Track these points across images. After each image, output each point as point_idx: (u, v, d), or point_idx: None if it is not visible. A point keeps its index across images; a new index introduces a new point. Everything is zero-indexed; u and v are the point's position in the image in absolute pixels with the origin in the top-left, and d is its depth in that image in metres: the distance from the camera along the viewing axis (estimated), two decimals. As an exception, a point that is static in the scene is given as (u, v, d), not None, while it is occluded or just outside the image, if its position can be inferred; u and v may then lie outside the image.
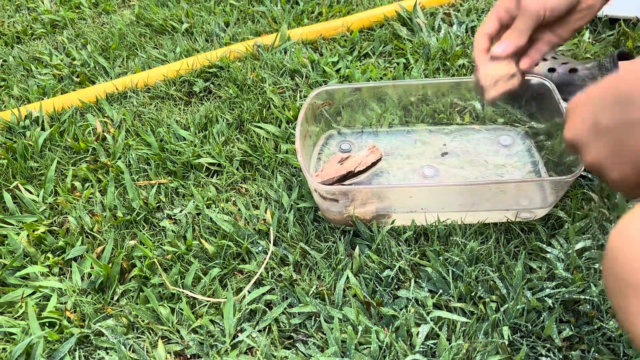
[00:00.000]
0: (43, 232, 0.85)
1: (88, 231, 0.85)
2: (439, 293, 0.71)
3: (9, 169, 0.96)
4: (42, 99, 1.14)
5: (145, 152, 0.97)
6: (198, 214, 0.86)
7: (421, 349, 0.65)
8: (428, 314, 0.68)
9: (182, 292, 0.75)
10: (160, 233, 0.84)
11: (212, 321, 0.71)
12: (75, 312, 0.75)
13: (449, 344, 0.65)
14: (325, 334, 0.68)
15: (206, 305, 0.73)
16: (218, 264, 0.78)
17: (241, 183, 0.91)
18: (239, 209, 0.86)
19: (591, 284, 0.68)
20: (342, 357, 0.65)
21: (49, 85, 1.16)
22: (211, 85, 1.11)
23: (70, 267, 0.81)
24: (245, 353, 0.68)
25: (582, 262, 0.71)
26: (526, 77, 0.87)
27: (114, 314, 0.74)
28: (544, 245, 0.74)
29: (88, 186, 0.93)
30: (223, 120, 1.02)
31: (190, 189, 0.90)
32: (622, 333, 0.64)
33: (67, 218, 0.88)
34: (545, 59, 0.94)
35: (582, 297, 0.67)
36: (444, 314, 0.67)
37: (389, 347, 0.65)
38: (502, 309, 0.67)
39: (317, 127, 0.92)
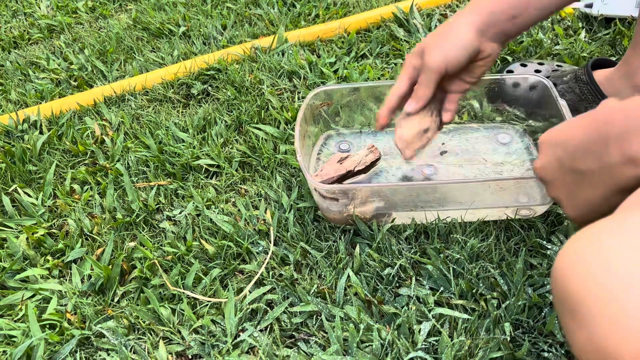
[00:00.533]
0: (42, 235, 0.85)
1: (87, 233, 0.85)
2: (440, 290, 0.71)
3: (7, 172, 0.96)
4: (40, 103, 1.14)
5: (144, 155, 0.97)
6: (198, 215, 0.86)
7: (423, 346, 0.65)
8: (430, 311, 0.68)
9: (183, 292, 0.75)
10: (160, 234, 0.84)
11: (213, 321, 0.71)
12: (75, 314, 0.75)
13: (451, 340, 0.65)
14: (327, 333, 0.68)
15: (207, 305, 0.73)
16: (218, 265, 0.78)
17: (241, 184, 0.91)
18: (239, 210, 0.86)
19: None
20: (344, 355, 0.65)
21: (46, 90, 1.16)
22: (209, 88, 1.12)
23: (70, 269, 0.81)
24: (247, 353, 0.68)
25: (583, 258, 0.71)
26: (524, 76, 0.88)
27: (115, 315, 0.74)
28: (544, 242, 0.75)
29: (87, 189, 0.93)
30: (221, 122, 1.02)
31: (190, 191, 0.89)
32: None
33: (67, 220, 0.88)
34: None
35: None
36: (445, 311, 0.67)
37: (391, 345, 0.65)
38: (503, 306, 0.67)
39: (315, 127, 0.92)
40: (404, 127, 0.77)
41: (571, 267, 0.35)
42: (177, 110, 1.08)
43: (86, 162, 0.98)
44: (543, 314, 0.67)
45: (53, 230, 0.87)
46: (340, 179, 0.84)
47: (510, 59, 1.07)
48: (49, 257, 0.82)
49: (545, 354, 0.63)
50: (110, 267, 0.79)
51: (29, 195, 0.93)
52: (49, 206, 0.91)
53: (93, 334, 0.72)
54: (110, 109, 1.10)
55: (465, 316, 0.67)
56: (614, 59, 1.04)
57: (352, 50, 1.16)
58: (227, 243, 0.79)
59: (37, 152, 1.00)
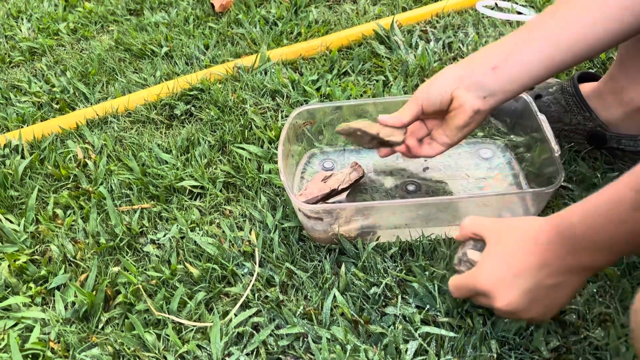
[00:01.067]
0: (25, 262, 0.84)
1: (71, 259, 0.84)
2: (426, 309, 0.71)
3: (-12, 198, 0.95)
4: (22, 127, 1.13)
5: (127, 177, 0.96)
6: (182, 238, 0.85)
7: (410, 366, 0.65)
8: (416, 330, 0.68)
9: (168, 317, 0.74)
10: (144, 258, 0.84)
11: (199, 346, 0.71)
12: (59, 342, 0.73)
13: (438, 359, 0.65)
14: (314, 355, 0.68)
15: (193, 330, 0.72)
16: (203, 288, 0.77)
17: (225, 205, 0.91)
18: (224, 231, 0.85)
19: (576, 294, 0.69)
20: (332, 377, 0.65)
21: (28, 113, 1.15)
22: (192, 108, 1.11)
23: (54, 296, 0.80)
24: (234, 377, 0.68)
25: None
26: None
27: (99, 342, 0.73)
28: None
29: (70, 213, 0.92)
30: (205, 143, 1.02)
31: (174, 213, 0.89)
32: (608, 342, 0.65)
33: (49, 246, 0.87)
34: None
35: (567, 307, 0.68)
36: (431, 329, 0.67)
37: (378, 365, 0.65)
38: (489, 322, 0.67)
39: (299, 146, 0.93)
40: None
41: None
42: (160, 131, 1.08)
43: (69, 186, 0.98)
44: (529, 330, 0.67)
45: (35, 257, 0.86)
46: (325, 198, 0.84)
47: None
48: (31, 285, 0.81)
49: (532, 370, 0.63)
50: (94, 293, 0.78)
51: (11, 222, 0.92)
52: (31, 232, 0.90)
53: (77, 363, 0.71)
54: (92, 131, 1.09)
55: (452, 334, 0.67)
56: (593, 70, 1.05)
57: (334, 67, 1.16)
58: (212, 266, 0.79)
59: (19, 177, 0.99)
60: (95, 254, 0.84)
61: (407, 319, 0.70)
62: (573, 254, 0.53)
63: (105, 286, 0.77)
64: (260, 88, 1.12)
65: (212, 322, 0.72)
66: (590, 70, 1.03)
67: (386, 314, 0.71)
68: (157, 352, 0.70)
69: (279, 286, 0.76)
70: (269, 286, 0.77)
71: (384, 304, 0.73)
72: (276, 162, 0.96)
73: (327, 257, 0.79)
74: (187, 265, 0.79)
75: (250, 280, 0.77)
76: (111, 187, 0.95)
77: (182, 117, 1.10)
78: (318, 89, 1.11)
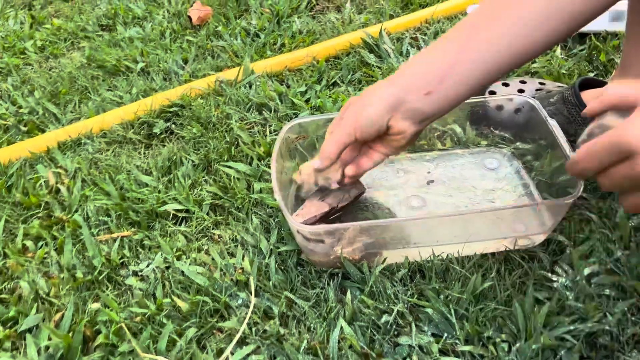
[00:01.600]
0: (-9, 302, 0.75)
1: (44, 296, 0.76)
2: (443, 337, 0.64)
3: (-51, 232, 0.86)
4: (-13, 152, 1.04)
5: (105, 203, 0.88)
6: (167, 268, 0.77)
7: (433, 404, 0.58)
8: (435, 361, 0.61)
9: (156, 359, 0.66)
10: (127, 292, 0.75)
11: (192, 391, 0.63)
12: (31, 393, 0.65)
13: (463, 395, 0.58)
14: (323, 395, 0.60)
15: (184, 372, 0.64)
16: (194, 324, 0.69)
17: (213, 229, 0.83)
18: (213, 259, 0.78)
19: (607, 314, 0.63)
20: (345, 421, 0.58)
21: (-7, 137, 1.07)
22: (173, 126, 1.04)
23: (25, 339, 0.71)
24: None
25: (593, 290, 0.66)
26: (509, 97, 0.83)
27: (78, 392, 0.64)
28: (549, 274, 0.69)
29: (42, 245, 0.84)
30: (188, 162, 0.94)
31: (157, 240, 0.81)
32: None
33: (19, 283, 0.78)
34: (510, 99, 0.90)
35: (599, 328, 0.62)
36: (452, 360, 0.61)
37: (396, 405, 0.58)
38: (514, 349, 0.61)
39: (292, 162, 0.86)
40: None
41: None
42: (138, 151, 1.00)
43: (40, 215, 0.89)
44: (559, 356, 0.60)
45: (3, 296, 0.77)
46: (324, 218, 0.77)
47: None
48: (-1, 328, 0.73)
49: (569, 403, 0.57)
50: (70, 334, 0.69)
51: (-25, 257, 0.83)
52: (-2, 268, 0.81)
53: (53, 417, 0.62)
54: (65, 154, 1.01)
55: (476, 365, 0.60)
56: (592, 74, 1.01)
57: (322, 78, 1.10)
58: (203, 298, 0.71)
59: (-16, 206, 0.90)
60: (71, 289, 0.76)
61: (423, 349, 0.63)
62: None
63: (83, 326, 0.69)
64: (245, 102, 1.05)
65: (206, 362, 0.64)
66: (591, 75, 0.99)
67: (400, 345, 0.64)
68: (144, 400, 0.62)
69: (278, 318, 0.69)
70: (268, 318, 0.69)
71: (396, 333, 0.66)
72: (267, 181, 0.89)
73: (330, 283, 0.71)
74: (175, 298, 0.72)
75: (246, 313, 0.69)
76: (87, 214, 0.87)
77: (162, 136, 1.03)
78: (307, 101, 1.04)
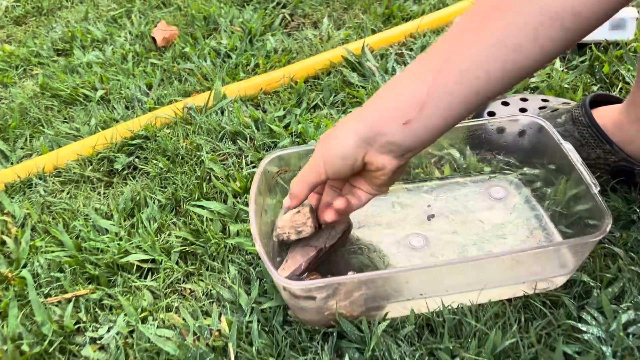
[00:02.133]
0: None
1: (-18, 376, 0.64)
2: (463, 409, 0.54)
3: None
4: None
5: (58, 255, 0.76)
6: (131, 333, 0.66)
7: None
8: None
9: None
10: (82, 366, 0.64)
11: None
12: None
13: None
14: None
15: None
16: (164, 405, 0.58)
17: (184, 282, 0.72)
18: (184, 320, 0.66)
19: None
20: None
21: None
22: (136, 160, 0.93)
23: None
24: None
25: (632, 342, 0.56)
26: (513, 118, 0.74)
27: None
28: (578, 324, 0.59)
29: (-18, 309, 0.71)
30: (154, 202, 0.83)
31: (119, 299, 0.69)
32: None
33: (-47, 359, 0.66)
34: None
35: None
36: None
37: None
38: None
39: (272, 199, 0.75)
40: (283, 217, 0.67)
41: None
42: (97, 191, 0.88)
43: (-18, 271, 0.77)
44: None
45: None
46: (313, 262, 0.67)
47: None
48: None
49: None
50: None
51: None
52: None
53: None
54: (12, 198, 0.89)
55: None
56: (595, 87, 0.93)
57: (302, 101, 1.00)
58: (173, 372, 0.59)
59: None
60: (15, 365, 0.64)
61: None
62: None
63: (28, 414, 0.57)
64: (217, 130, 0.94)
65: None
66: (595, 89, 0.91)
67: (412, 421, 0.54)
68: None
69: (264, 393, 0.58)
70: (252, 394, 0.58)
71: (406, 406, 0.55)
72: (245, 221, 0.78)
73: (324, 345, 0.61)
74: (140, 373, 0.60)
75: (226, 389, 0.58)
76: (37, 270, 0.75)
77: (124, 172, 0.91)
78: (287, 127, 0.94)
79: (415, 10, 1.20)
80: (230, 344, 0.62)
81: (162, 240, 0.77)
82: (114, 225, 0.80)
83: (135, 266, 0.74)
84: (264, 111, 1.00)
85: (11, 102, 1.12)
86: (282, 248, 0.72)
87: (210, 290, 0.69)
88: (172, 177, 0.87)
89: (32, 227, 0.82)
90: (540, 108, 0.83)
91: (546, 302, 0.63)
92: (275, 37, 1.20)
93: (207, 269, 0.73)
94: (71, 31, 1.32)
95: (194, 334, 0.64)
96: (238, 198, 0.82)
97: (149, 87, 1.11)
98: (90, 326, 0.67)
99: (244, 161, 0.88)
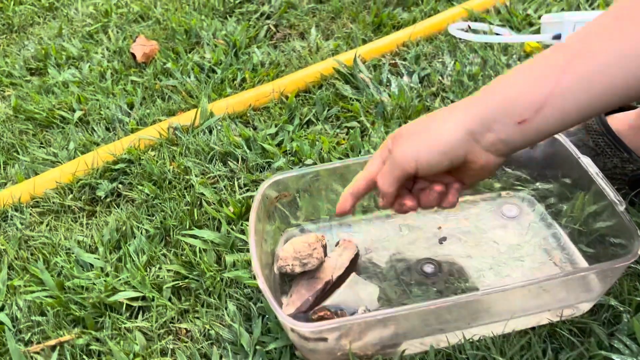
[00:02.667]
0: None
1: None
2: None
3: None
4: None
5: (38, 296, 0.70)
6: (123, 382, 0.60)
7: None
8: None
9: None
10: None
11: None
12: None
13: None
14: None
15: None
16: None
17: (179, 321, 0.66)
18: (182, 365, 0.61)
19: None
20: None
21: None
22: (120, 187, 0.86)
23: None
24: None
25: (672, 373, 0.52)
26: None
27: None
28: (611, 354, 0.55)
29: (-44, 361, 0.65)
30: (141, 233, 0.77)
31: (108, 344, 0.63)
32: None
33: None
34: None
35: None
36: None
37: None
38: None
39: (271, 225, 0.70)
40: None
41: None
42: (79, 222, 0.82)
43: (-46, 317, 0.70)
44: None
45: None
46: (319, 297, 0.62)
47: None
48: None
49: None
50: None
51: None
52: None
53: None
54: (-14, 233, 0.82)
55: None
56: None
57: (294, 116, 0.95)
58: None
59: None
60: None
61: None
62: None
63: None
64: (206, 151, 0.88)
65: None
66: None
67: None
68: None
69: None
70: None
71: None
72: (241, 250, 0.73)
73: (338, 389, 0.55)
74: None
75: None
76: (15, 314, 0.69)
77: (108, 200, 0.85)
78: (279, 145, 0.89)
79: (405, 18, 1.16)
80: (234, 393, 0.56)
81: (153, 275, 0.71)
82: (99, 259, 0.74)
83: (124, 305, 0.68)
84: (254, 129, 0.94)
85: (-18, 126, 1.05)
86: (284, 279, 0.66)
87: (208, 329, 0.64)
88: (160, 203, 0.81)
89: (9, 264, 0.76)
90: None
91: (573, 330, 0.59)
92: (262, 50, 1.15)
93: (203, 306, 0.67)
94: (45, 49, 1.26)
95: (193, 381, 0.59)
96: (232, 225, 0.76)
97: (131, 106, 1.05)
98: (77, 376, 0.61)
99: (236, 184, 0.83)
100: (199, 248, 0.73)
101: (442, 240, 0.69)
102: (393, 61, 1.04)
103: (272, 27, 1.23)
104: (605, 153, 0.70)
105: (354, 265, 0.67)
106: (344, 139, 0.89)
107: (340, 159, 0.83)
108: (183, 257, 0.73)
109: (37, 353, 0.64)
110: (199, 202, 0.81)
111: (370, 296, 0.63)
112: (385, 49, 1.07)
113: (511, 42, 1.01)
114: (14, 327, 0.67)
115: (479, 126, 0.49)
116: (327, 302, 0.63)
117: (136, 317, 0.67)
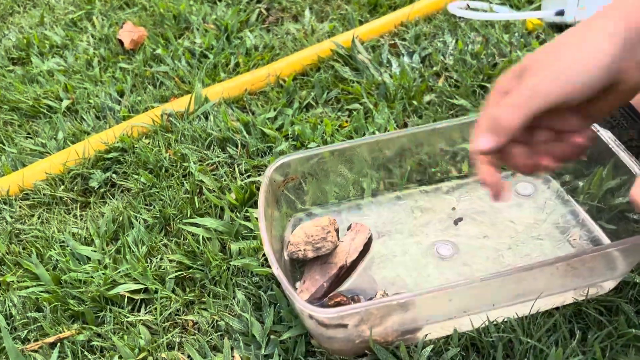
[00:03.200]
0: None
1: None
2: None
3: None
4: None
5: (34, 292, 0.66)
6: (130, 379, 0.56)
7: None
8: None
9: None
10: None
11: None
12: None
13: None
14: None
15: None
16: None
17: (184, 313, 0.63)
18: (191, 358, 0.57)
19: None
20: None
21: None
22: (114, 176, 0.83)
23: None
24: None
25: None
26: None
27: None
28: (642, 332, 0.53)
29: (-53, 362, 0.61)
30: (139, 223, 0.73)
31: (111, 339, 0.60)
32: None
33: None
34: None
35: None
36: None
37: None
38: None
39: (278, 211, 0.67)
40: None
41: None
42: (73, 214, 0.78)
43: (-57, 317, 0.66)
44: None
45: None
46: (334, 283, 0.59)
47: (488, 85, 0.87)
48: None
49: None
50: None
51: None
52: None
53: None
54: (-26, 228, 0.78)
55: None
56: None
57: (293, 100, 0.92)
58: None
59: None
60: None
61: None
62: None
63: None
64: (203, 137, 0.85)
65: None
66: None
67: None
68: None
69: None
70: None
71: None
72: (246, 238, 0.69)
73: (359, 378, 0.53)
74: None
75: None
76: (10, 311, 0.65)
77: (102, 190, 0.81)
78: (280, 129, 0.85)
79: (401, -2, 1.13)
80: (249, 385, 0.53)
81: (154, 266, 0.68)
82: (96, 251, 0.71)
83: (125, 298, 0.64)
84: (252, 113, 0.91)
85: (-36, 118, 1.00)
86: (294, 266, 0.63)
87: (217, 320, 0.61)
88: (158, 192, 0.77)
89: (0, 260, 0.72)
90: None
91: (598, 309, 0.56)
92: (254, 34, 1.11)
93: (209, 296, 0.64)
94: (26, 37, 1.20)
95: (205, 375, 0.56)
96: (235, 212, 0.73)
97: (121, 93, 1.01)
98: (79, 374, 0.58)
99: (237, 170, 0.79)
100: (202, 237, 0.70)
101: (457, 221, 0.66)
102: (392, 42, 1.01)
103: (264, 11, 1.19)
104: (621, 125, 0.68)
105: (367, 249, 0.64)
106: (346, 121, 0.86)
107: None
108: (185, 247, 0.69)
109: (36, 351, 0.60)
110: (198, 190, 0.77)
111: (386, 280, 0.60)
112: (383, 29, 1.04)
113: (512, 20, 0.99)
114: (8, 324, 0.63)
115: (637, 34, 0.40)
116: (342, 288, 0.60)
117: (139, 311, 0.64)
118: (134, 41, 1.13)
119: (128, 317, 0.63)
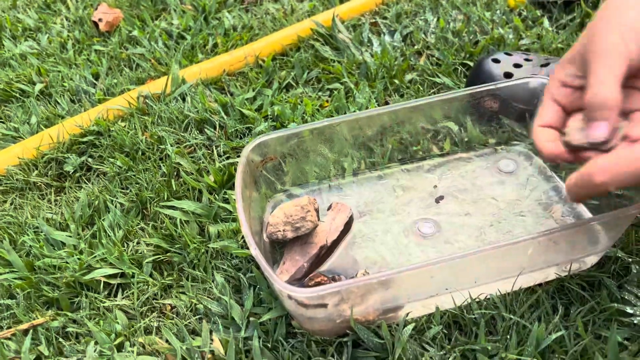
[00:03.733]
0: None
1: None
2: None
3: None
4: None
5: (7, 278, 0.64)
6: (106, 365, 0.55)
7: None
8: None
9: None
10: (49, 413, 0.53)
11: None
12: None
13: None
14: None
15: None
16: None
17: (162, 297, 0.61)
18: (169, 343, 0.56)
19: None
20: None
21: None
22: (89, 160, 0.80)
23: None
24: None
25: (689, 322, 0.50)
26: (524, 80, 0.66)
27: None
28: (626, 307, 0.52)
29: None
30: (115, 207, 0.72)
31: (86, 324, 0.58)
32: None
33: None
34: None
35: None
36: None
37: None
38: None
39: (257, 192, 0.65)
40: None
41: None
42: (47, 199, 0.76)
43: None
44: None
45: None
46: (314, 263, 0.58)
47: (470, 63, 0.86)
48: None
49: None
50: None
51: None
52: None
53: None
54: (-56, 215, 0.75)
55: None
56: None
57: (272, 80, 0.90)
58: (164, 410, 0.49)
59: None
60: (-36, 420, 0.52)
61: None
62: None
63: None
64: (180, 119, 0.83)
65: None
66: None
67: None
68: None
69: None
70: None
71: (447, 422, 0.47)
72: (225, 220, 0.68)
73: (340, 358, 0.52)
74: (122, 415, 0.50)
75: None
76: (-19, 298, 0.63)
77: (77, 175, 0.79)
78: (259, 110, 0.84)
79: (382, -23, 1.11)
80: (228, 368, 0.52)
81: (131, 250, 0.66)
82: (71, 236, 0.69)
83: (102, 283, 0.63)
84: (231, 94, 0.89)
85: None
86: (274, 247, 0.62)
87: (195, 304, 0.59)
88: (134, 176, 0.76)
89: (-29, 247, 0.70)
90: (543, 66, 0.75)
91: (581, 284, 0.56)
92: (233, 14, 1.09)
93: (188, 280, 0.62)
94: (-2, 21, 1.17)
95: (183, 358, 0.54)
96: (214, 194, 0.72)
97: (96, 76, 0.98)
98: (54, 361, 0.56)
99: (215, 152, 0.78)
100: (180, 220, 0.68)
101: (438, 199, 0.65)
102: (373, 20, 0.99)
103: (243, -9, 1.17)
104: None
105: (348, 229, 0.63)
106: (327, 101, 0.84)
107: (324, 121, 0.79)
108: (163, 230, 0.68)
109: (9, 339, 0.59)
110: (176, 173, 0.76)
111: (368, 260, 0.59)
112: (364, 8, 1.02)
113: (494, -3, 0.97)
114: (-20, 313, 0.62)
115: None
116: (323, 268, 0.59)
117: (115, 296, 0.62)
118: (109, 23, 1.11)
119: (104, 302, 0.61)
